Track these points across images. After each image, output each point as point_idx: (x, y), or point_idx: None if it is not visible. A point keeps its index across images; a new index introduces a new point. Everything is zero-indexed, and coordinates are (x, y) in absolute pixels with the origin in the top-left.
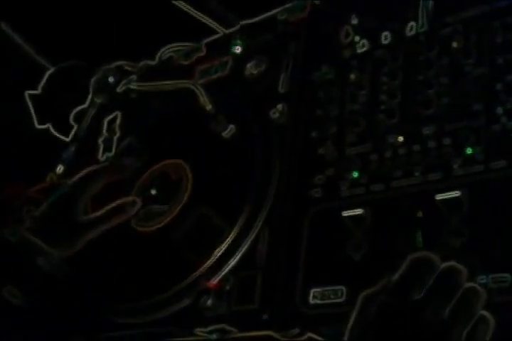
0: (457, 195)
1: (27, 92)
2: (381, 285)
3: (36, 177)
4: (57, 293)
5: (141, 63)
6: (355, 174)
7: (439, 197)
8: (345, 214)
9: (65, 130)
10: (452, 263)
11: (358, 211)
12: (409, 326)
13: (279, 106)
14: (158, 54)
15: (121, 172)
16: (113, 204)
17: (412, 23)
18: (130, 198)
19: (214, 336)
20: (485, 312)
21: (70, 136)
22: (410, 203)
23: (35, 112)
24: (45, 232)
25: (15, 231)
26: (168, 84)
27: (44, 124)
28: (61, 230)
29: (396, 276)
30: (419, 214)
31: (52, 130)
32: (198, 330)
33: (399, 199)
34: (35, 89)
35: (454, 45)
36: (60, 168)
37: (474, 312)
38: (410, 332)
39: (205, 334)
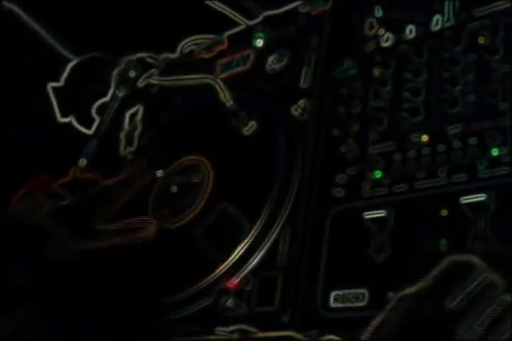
0: (482, 198)
1: (50, 85)
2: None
3: (59, 171)
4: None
5: (162, 56)
6: (378, 174)
7: (464, 200)
8: (367, 216)
9: (88, 123)
10: (493, 275)
11: (381, 212)
12: (438, 337)
13: (301, 102)
14: (180, 47)
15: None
16: (130, 222)
17: (438, 17)
18: (147, 219)
19: (235, 335)
20: None
21: (93, 129)
22: (434, 205)
23: (57, 105)
24: (64, 224)
25: (33, 214)
26: (189, 79)
27: (67, 117)
28: (78, 230)
29: (431, 277)
30: (444, 212)
31: (74, 123)
32: (219, 330)
33: (422, 201)
34: (57, 81)
35: (481, 40)
36: (82, 162)
37: (507, 328)
38: None
39: (226, 334)
